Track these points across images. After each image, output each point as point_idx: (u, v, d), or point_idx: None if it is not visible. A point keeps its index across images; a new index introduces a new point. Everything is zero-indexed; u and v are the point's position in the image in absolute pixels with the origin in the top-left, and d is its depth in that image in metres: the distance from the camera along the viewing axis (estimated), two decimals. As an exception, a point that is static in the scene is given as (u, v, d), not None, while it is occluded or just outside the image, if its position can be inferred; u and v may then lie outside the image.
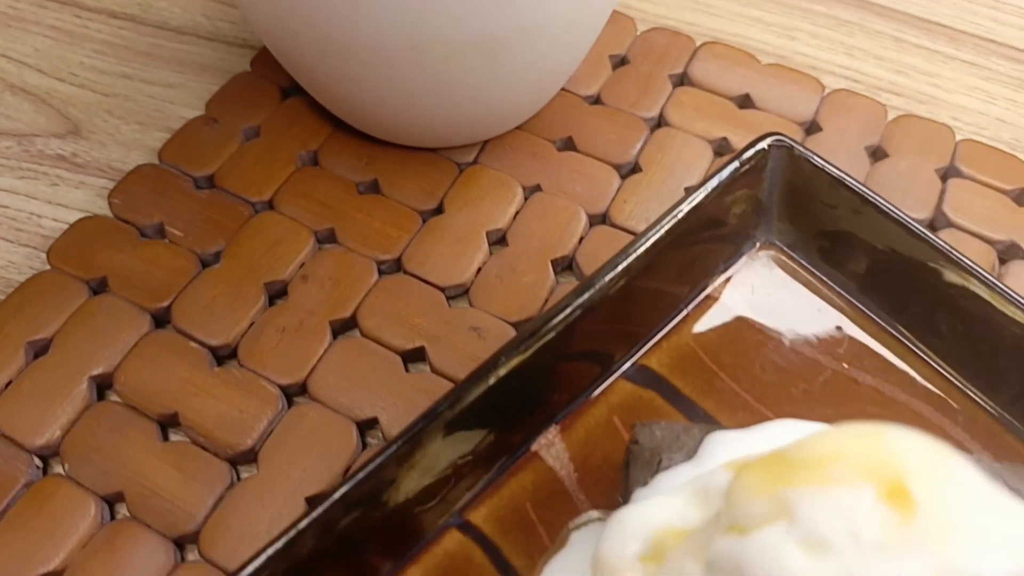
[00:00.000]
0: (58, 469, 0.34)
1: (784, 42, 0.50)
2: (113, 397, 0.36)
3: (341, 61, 0.36)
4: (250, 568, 0.26)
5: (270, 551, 0.27)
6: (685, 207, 0.34)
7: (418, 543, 0.30)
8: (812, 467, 0.20)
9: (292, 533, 0.27)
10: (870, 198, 0.35)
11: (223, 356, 0.37)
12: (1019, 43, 0.50)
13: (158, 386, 0.35)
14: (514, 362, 0.31)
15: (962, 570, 0.17)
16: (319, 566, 0.28)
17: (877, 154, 0.44)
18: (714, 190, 0.35)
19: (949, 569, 0.17)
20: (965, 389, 0.34)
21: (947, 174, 0.43)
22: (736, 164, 0.35)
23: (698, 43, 0.48)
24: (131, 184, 0.41)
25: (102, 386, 0.36)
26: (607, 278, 0.32)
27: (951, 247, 0.34)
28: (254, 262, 0.39)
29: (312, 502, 0.30)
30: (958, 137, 0.45)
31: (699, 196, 0.34)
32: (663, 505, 0.24)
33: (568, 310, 0.32)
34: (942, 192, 0.42)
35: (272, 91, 0.45)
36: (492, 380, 0.30)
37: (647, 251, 0.33)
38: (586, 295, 0.32)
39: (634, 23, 0.49)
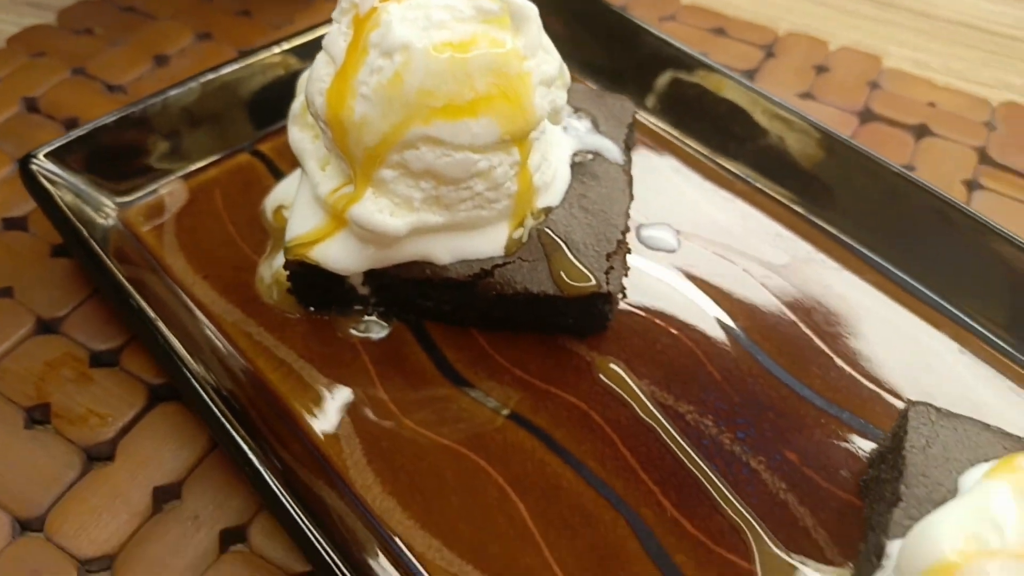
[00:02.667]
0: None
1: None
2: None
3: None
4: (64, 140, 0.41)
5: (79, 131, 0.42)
6: None
7: (222, 154, 0.45)
8: None
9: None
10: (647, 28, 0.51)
11: (115, 88, 0.52)
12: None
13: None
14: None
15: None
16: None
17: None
18: None
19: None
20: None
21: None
22: None
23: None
24: (76, 9, 0.58)
25: (31, 108, 0.51)
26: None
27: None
28: (155, 40, 0.55)
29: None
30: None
31: None
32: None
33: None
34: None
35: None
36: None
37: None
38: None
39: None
